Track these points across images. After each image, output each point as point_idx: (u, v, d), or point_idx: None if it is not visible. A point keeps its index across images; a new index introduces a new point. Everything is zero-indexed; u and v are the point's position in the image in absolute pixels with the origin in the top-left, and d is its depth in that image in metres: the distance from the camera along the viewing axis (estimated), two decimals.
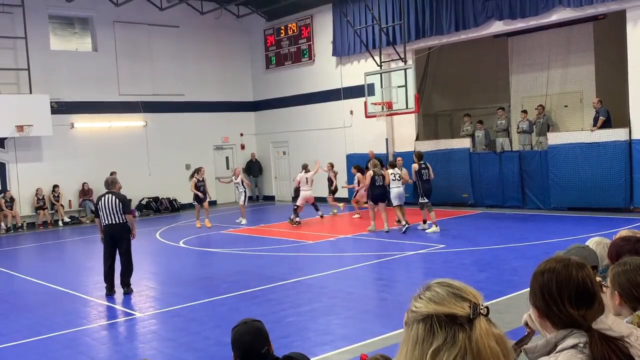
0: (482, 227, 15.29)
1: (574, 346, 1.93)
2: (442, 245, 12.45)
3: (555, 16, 16.18)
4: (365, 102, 18.65)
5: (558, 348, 1.97)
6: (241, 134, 25.46)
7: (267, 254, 13.01)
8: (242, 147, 25.57)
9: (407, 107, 17.69)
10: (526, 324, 2.51)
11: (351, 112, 21.24)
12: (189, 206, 18.43)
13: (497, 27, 17.39)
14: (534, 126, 17.95)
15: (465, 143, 18.70)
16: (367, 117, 18.94)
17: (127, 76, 22.37)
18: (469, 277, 9.58)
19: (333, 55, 21.78)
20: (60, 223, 20.70)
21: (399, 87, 17.74)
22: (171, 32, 23.32)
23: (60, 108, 20.54)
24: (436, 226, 14.24)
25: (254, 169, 25.07)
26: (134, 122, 22.61)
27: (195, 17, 23.60)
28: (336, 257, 12.23)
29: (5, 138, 19.78)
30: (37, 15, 20.46)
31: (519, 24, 16.96)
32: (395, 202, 14.89)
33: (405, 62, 18.10)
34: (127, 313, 8.96)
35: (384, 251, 12.45)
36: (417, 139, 19.96)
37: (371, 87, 18.64)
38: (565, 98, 18.37)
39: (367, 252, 12.44)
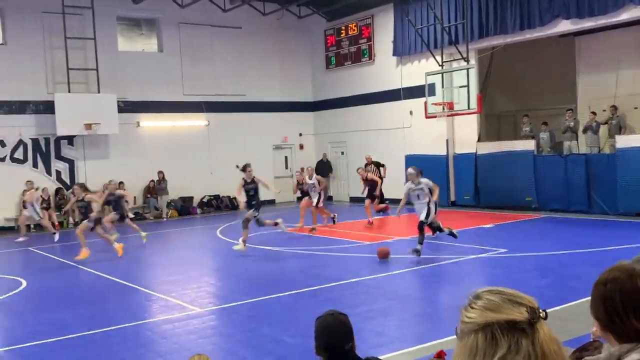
0: (545, 231, 14.88)
1: None
2: (504, 250, 12.17)
3: (626, 15, 15.58)
4: (426, 103, 18.45)
5: None
6: (300, 134, 25.63)
7: (324, 254, 13.03)
8: (301, 146, 25.73)
9: (468, 108, 17.42)
10: (594, 333, 2.41)
11: (411, 113, 21.05)
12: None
13: (564, 26, 16.88)
14: (607, 126, 17.36)
15: (529, 145, 18.22)
16: (427, 117, 18.74)
17: (191, 76, 22.86)
18: (531, 283, 9.33)
19: (394, 55, 21.63)
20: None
21: (460, 87, 17.48)
22: (234, 33, 23.68)
23: (126, 107, 21.17)
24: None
25: (324, 169, 25.04)
26: (196, 121, 23.08)
27: (258, 18, 23.89)
28: (394, 258, 12.14)
29: (75, 136, 20.54)
30: (106, 17, 21.13)
31: (587, 23, 16.41)
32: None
33: (467, 61, 17.81)
34: (188, 308, 9.14)
35: (443, 254, 12.28)
36: (478, 140, 19.60)
37: (432, 87, 18.43)
38: (635, 100, 17.68)
39: (426, 255, 12.29)
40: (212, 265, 13.17)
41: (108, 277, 11.71)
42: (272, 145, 24.94)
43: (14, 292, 10.73)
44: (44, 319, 8.79)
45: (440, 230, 12.76)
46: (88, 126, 19.90)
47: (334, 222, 17.40)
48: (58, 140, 20.54)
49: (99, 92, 20.60)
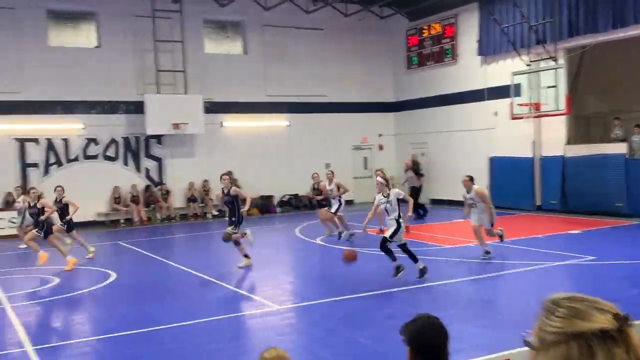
0: (636, 239, 14.16)
1: None
2: (592, 257, 11.67)
3: None
4: (512, 103, 17.96)
5: None
6: (380, 135, 25.53)
7: (402, 256, 12.90)
8: (380, 147, 25.62)
9: (557, 109, 16.82)
10: None
11: (495, 114, 20.52)
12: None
13: None
14: None
15: (620, 148, 17.36)
16: (512, 118, 18.24)
17: (274, 78, 23.22)
18: (620, 293, 8.89)
19: (479, 54, 21.16)
20: (208, 216, 21.94)
21: (548, 87, 16.91)
22: (316, 34, 23.86)
23: (212, 108, 21.76)
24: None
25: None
26: (278, 121, 23.44)
27: (340, 19, 23.97)
28: (475, 263, 11.88)
29: (163, 135, 21.32)
30: (193, 20, 21.83)
31: None
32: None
33: (556, 61, 17.20)
34: (267, 305, 9.29)
35: (527, 260, 11.90)
36: (567, 143, 18.86)
37: (518, 87, 17.92)
38: None
39: (508, 261, 11.97)
40: (291, 263, 13.33)
41: (192, 271, 12.07)
42: (351, 145, 24.96)
43: (104, 283, 11.26)
44: (132, 311, 9.18)
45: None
46: (176, 126, 20.61)
47: (339, 236, 15.18)
48: (147, 139, 21.38)
49: (186, 93, 21.31)
